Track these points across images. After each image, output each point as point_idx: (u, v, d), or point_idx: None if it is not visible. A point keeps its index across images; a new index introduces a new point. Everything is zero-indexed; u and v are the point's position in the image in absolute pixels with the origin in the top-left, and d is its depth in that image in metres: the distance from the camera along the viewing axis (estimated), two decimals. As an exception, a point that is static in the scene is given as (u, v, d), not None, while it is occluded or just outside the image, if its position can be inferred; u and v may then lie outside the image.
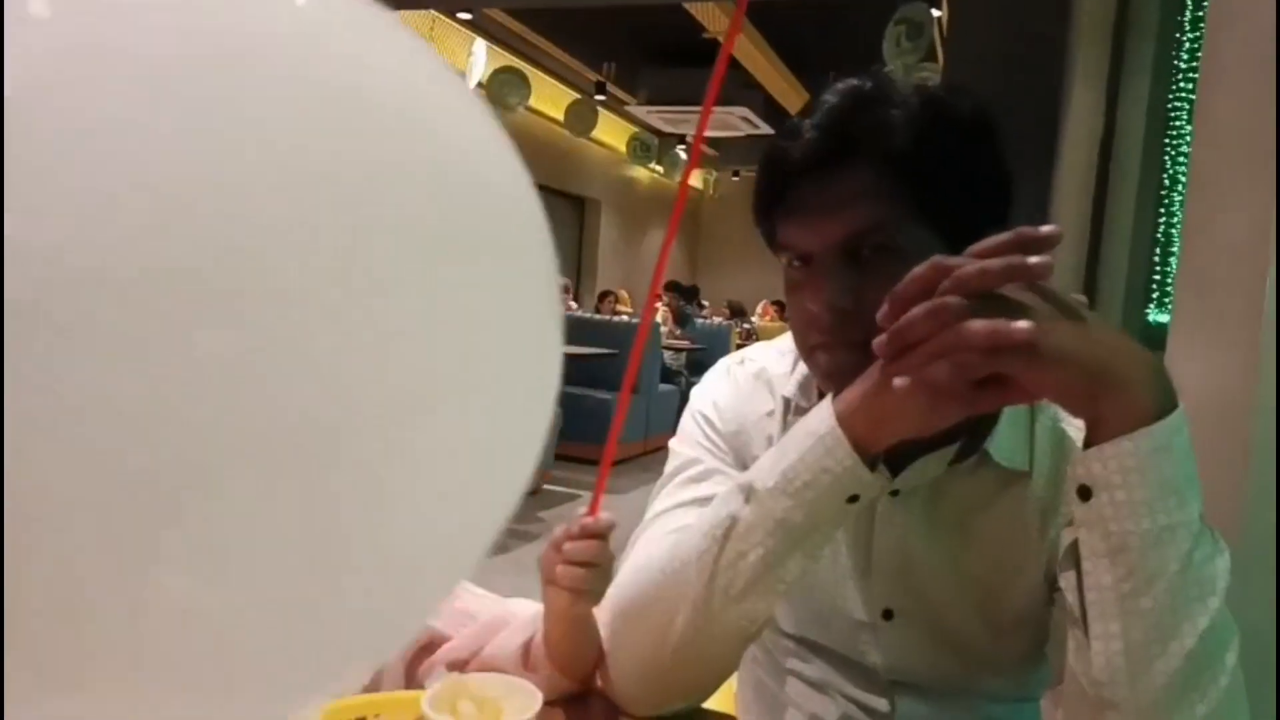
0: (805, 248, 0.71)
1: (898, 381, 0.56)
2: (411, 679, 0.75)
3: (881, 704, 0.80)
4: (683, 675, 0.71)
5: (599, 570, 0.67)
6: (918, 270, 0.55)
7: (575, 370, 5.39)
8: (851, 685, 0.82)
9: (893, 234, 0.67)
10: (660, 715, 0.73)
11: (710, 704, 0.77)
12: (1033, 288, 0.55)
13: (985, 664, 0.78)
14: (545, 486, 4.30)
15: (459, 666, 0.75)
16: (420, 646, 0.76)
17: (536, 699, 0.56)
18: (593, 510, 0.68)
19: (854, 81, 0.70)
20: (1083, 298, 0.73)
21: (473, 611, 0.77)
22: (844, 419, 0.62)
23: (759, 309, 9.62)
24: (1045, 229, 0.55)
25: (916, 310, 0.54)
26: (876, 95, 0.69)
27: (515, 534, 3.51)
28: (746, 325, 8.40)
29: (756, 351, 0.89)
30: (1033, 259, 0.54)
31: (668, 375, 6.19)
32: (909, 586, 0.77)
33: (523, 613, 0.76)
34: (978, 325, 0.52)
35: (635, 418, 5.30)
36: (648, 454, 5.37)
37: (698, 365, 6.47)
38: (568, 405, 4.49)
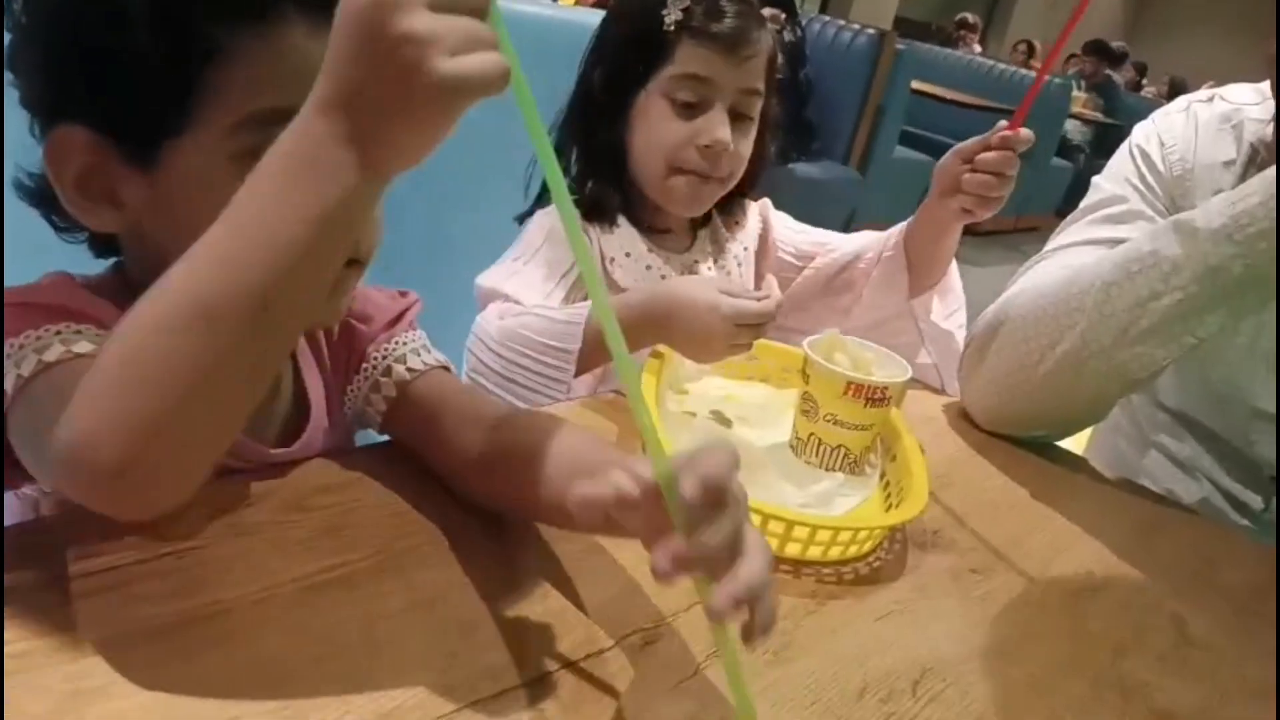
0: None
1: None
2: None
3: (1255, 499, 0.75)
4: (1045, 403, 0.71)
5: (1006, 180, 0.70)
6: None
7: (961, 122, 4.92)
8: (1225, 474, 0.77)
9: None
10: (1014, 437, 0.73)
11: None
12: None
13: None
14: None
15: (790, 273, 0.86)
16: None
17: (906, 371, 0.60)
18: (1014, 125, 0.69)
19: None
20: None
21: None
22: None
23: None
24: None
25: None
26: None
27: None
28: (1186, 108, 6.96)
29: (1231, 90, 0.76)
30: None
31: (1066, 150, 5.42)
32: None
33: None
34: None
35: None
36: (1019, 231, 4.91)
37: (1106, 146, 5.58)
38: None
